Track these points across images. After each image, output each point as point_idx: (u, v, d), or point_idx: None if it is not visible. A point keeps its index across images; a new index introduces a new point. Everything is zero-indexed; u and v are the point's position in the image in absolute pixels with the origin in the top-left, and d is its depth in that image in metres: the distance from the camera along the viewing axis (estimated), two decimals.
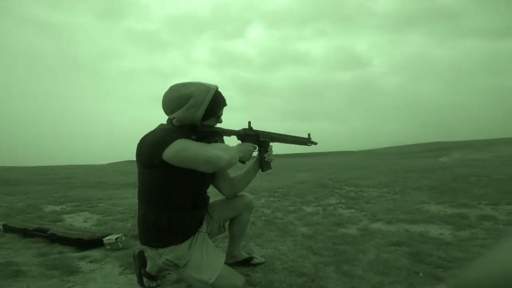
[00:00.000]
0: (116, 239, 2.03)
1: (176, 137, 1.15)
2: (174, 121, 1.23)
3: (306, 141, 1.58)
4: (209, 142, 1.25)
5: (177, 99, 1.21)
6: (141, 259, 1.50)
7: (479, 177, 5.11)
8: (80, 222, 2.93)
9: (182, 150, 1.12)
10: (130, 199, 4.35)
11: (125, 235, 2.17)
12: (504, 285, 0.33)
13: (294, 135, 1.56)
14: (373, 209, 3.11)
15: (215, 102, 1.25)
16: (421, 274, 1.49)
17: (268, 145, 1.45)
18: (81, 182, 6.82)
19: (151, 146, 1.16)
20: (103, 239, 2.05)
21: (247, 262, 1.68)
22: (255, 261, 1.69)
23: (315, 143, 1.64)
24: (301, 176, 7.17)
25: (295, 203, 3.64)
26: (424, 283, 1.41)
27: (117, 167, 11.84)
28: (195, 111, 1.20)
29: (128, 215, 3.10)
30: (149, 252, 1.31)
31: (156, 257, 1.29)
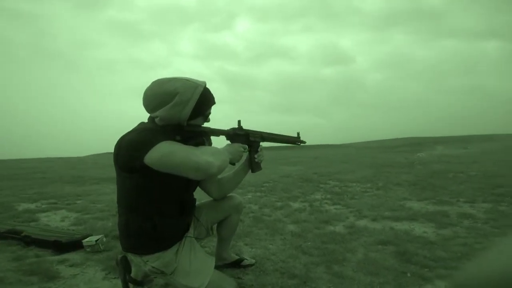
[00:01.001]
0: (97, 241, 1.92)
1: (160, 138, 1.05)
2: (156, 120, 1.13)
3: (296, 140, 1.55)
4: (196, 144, 1.17)
5: (160, 95, 1.11)
6: (124, 265, 1.41)
7: (455, 173, 5.34)
8: (56, 221, 2.77)
9: (167, 154, 1.02)
10: (110, 195, 4.17)
11: (106, 236, 2.07)
12: (503, 285, 0.33)
13: (284, 134, 1.53)
14: (358, 205, 3.17)
15: (203, 100, 1.16)
16: (408, 275, 1.52)
17: (259, 145, 1.39)
18: (58, 176, 6.47)
19: (131, 149, 1.05)
20: (83, 241, 1.93)
21: (237, 264, 1.64)
22: (245, 262, 1.66)
23: (304, 142, 1.62)
24: (286, 169, 7.21)
25: (282, 198, 3.65)
26: (412, 283, 1.44)
27: (96, 160, 11.40)
28: (181, 109, 1.11)
29: (108, 213, 2.97)
30: (133, 259, 1.22)
31: (141, 264, 1.19)
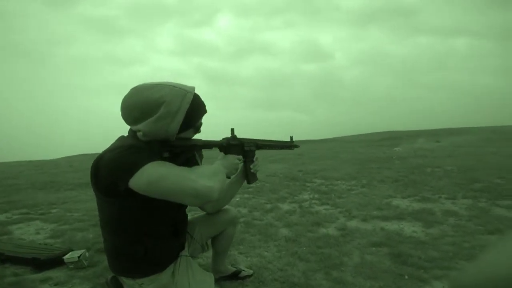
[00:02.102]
0: (79, 256, 1.79)
1: (145, 158, 0.90)
2: (139, 134, 0.97)
3: (290, 145, 1.50)
4: (187, 160, 1.06)
5: (142, 106, 0.94)
6: (115, 285, 1.32)
7: (433, 168, 5.57)
8: (31, 234, 2.56)
9: (157, 180, 0.88)
10: (88, 202, 3.93)
11: (88, 250, 1.95)
12: (503, 286, 0.33)
13: (277, 140, 1.49)
14: (346, 204, 3.22)
15: (194, 110, 1.01)
16: (406, 277, 1.55)
17: (254, 155, 1.30)
18: (29, 182, 5.98)
19: (112, 172, 0.91)
20: (64, 258, 1.80)
21: (235, 276, 1.60)
22: (243, 274, 1.62)
23: (298, 146, 1.59)
24: (271, 168, 7.22)
25: (270, 200, 3.63)
26: (411, 286, 1.47)
27: (71, 162, 10.80)
28: (168, 122, 0.95)
29: (88, 223, 2.80)
30: (126, 281, 1.11)
31: (135, 287, 1.08)
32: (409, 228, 2.37)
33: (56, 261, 1.82)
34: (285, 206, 3.29)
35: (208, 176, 0.97)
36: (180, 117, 0.97)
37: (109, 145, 1.01)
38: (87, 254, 1.87)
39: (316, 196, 3.79)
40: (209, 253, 1.59)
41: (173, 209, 1.06)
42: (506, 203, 2.84)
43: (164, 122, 0.95)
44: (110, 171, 0.91)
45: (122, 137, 1.04)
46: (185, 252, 1.18)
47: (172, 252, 1.11)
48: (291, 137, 1.53)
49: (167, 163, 0.94)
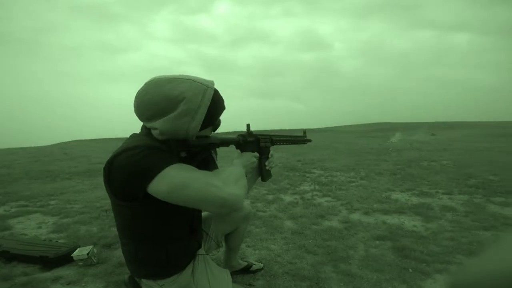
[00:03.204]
0: (88, 253, 1.79)
1: (164, 161, 0.84)
2: (155, 132, 0.91)
3: (304, 139, 1.48)
4: (204, 159, 1.03)
5: (160, 101, 0.87)
6: (134, 285, 1.25)
7: (429, 162, 5.71)
8: (33, 229, 2.54)
9: (179, 187, 0.83)
10: (87, 192, 3.93)
11: (95, 245, 1.96)
12: (503, 284, 0.33)
13: (290, 135, 1.51)
14: (347, 197, 3.31)
15: (215, 107, 0.95)
16: (410, 270, 1.65)
17: (269, 151, 1.27)
18: (24, 172, 5.83)
19: (129, 176, 0.84)
20: (73, 255, 1.80)
21: (246, 270, 1.65)
22: (254, 267, 1.67)
23: (310, 140, 1.58)
24: None
25: (271, 190, 3.71)
26: (415, 278, 1.57)
27: (65, 149, 10.68)
28: (188, 121, 0.89)
29: (89, 215, 2.81)
30: (145, 282, 1.08)
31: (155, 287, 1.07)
32: (409, 222, 2.47)
33: (64, 259, 1.82)
34: (287, 198, 3.37)
35: (233, 182, 0.91)
36: (201, 115, 0.90)
37: (122, 144, 0.94)
38: (95, 250, 1.87)
39: (317, 187, 3.88)
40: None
41: (190, 210, 1.00)
42: (500, 200, 2.97)
43: (184, 120, 0.88)
44: (126, 174, 0.84)
45: (134, 135, 0.98)
46: (201, 250, 1.18)
47: (191, 252, 1.11)
48: (304, 131, 1.55)
49: (189, 167, 0.89)
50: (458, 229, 2.23)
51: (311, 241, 2.10)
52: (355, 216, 2.67)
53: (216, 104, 0.95)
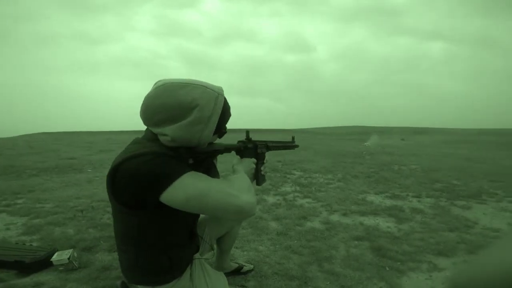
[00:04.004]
0: (69, 257, 1.72)
1: (178, 169, 0.84)
2: (164, 138, 0.89)
3: (292, 145, 1.55)
4: (207, 166, 1.04)
5: (171, 107, 0.86)
6: None
7: (399, 166, 6.10)
8: (1, 230, 2.39)
9: (197, 196, 0.83)
10: (58, 191, 3.77)
11: (73, 248, 1.90)
12: (503, 284, 0.33)
13: (282, 140, 1.58)
14: (327, 198, 3.49)
15: (224, 115, 0.96)
16: (387, 268, 1.81)
17: (264, 157, 1.33)
18: None
19: (141, 184, 0.83)
20: (52, 260, 1.72)
21: (237, 271, 1.71)
22: (245, 269, 1.73)
23: (298, 146, 1.68)
24: None
25: (255, 191, 3.80)
26: (391, 276, 1.73)
27: (30, 141, 10.00)
28: (202, 129, 0.89)
29: (63, 215, 2.72)
30: None
31: None
32: (384, 223, 2.68)
33: (43, 264, 1.73)
34: (270, 199, 3.48)
35: (247, 190, 0.92)
36: (214, 123, 0.91)
37: (125, 150, 0.92)
38: (75, 254, 1.81)
39: (297, 188, 4.03)
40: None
41: (191, 215, 1.01)
42: (462, 203, 3.28)
43: (198, 128, 0.88)
44: (137, 182, 0.83)
45: (138, 141, 0.95)
46: (197, 254, 1.19)
47: (190, 256, 1.11)
48: (293, 137, 1.64)
49: (202, 175, 0.90)
50: (427, 230, 2.46)
51: (296, 242, 2.21)
52: (335, 217, 2.83)
53: (225, 112, 0.96)
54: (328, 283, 1.66)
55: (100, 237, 2.26)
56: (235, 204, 0.86)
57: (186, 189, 0.83)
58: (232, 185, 0.92)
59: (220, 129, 0.99)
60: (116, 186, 0.87)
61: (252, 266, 1.79)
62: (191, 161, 0.94)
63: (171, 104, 0.86)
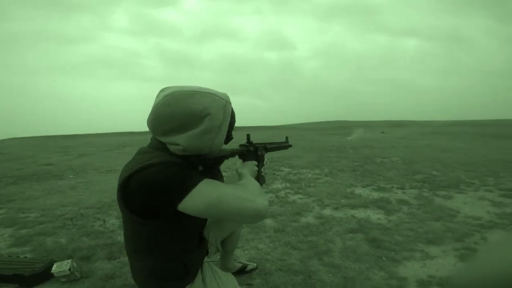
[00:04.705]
0: (70, 268, 1.70)
1: (194, 178, 0.86)
2: (175, 148, 0.90)
3: (287, 145, 1.59)
4: (214, 172, 1.06)
5: (182, 116, 0.87)
6: None
7: (381, 159, 6.35)
8: None
9: (216, 203, 0.85)
10: (40, 199, 3.63)
11: (71, 258, 1.87)
12: (502, 284, 0.33)
13: (277, 141, 1.62)
14: (317, 193, 3.59)
15: (232, 122, 0.98)
16: (384, 258, 1.92)
17: (263, 159, 1.35)
18: None
19: (157, 194, 0.84)
20: (53, 271, 1.69)
21: (242, 271, 1.75)
22: (249, 267, 1.77)
23: (291, 145, 1.74)
24: None
25: None
26: (389, 265, 1.83)
27: (1, 147, 9.43)
28: (213, 138, 0.90)
29: (51, 225, 2.64)
30: None
31: None
32: (374, 215, 2.80)
33: (43, 276, 1.70)
34: None
35: (259, 193, 0.95)
36: (224, 131, 0.93)
37: (133, 160, 0.92)
38: (74, 264, 1.78)
39: (288, 185, 4.11)
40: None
41: (201, 219, 1.04)
42: (443, 193, 3.49)
43: (209, 137, 0.89)
44: (154, 192, 0.83)
45: (146, 150, 0.95)
46: (206, 257, 1.21)
47: (201, 260, 1.14)
48: (287, 137, 1.70)
49: (216, 182, 0.92)
50: (414, 221, 2.60)
51: (293, 237, 2.28)
52: (327, 212, 2.93)
53: (232, 119, 0.98)
54: (331, 275, 1.73)
55: (96, 245, 2.21)
56: (252, 208, 0.88)
57: (205, 197, 0.85)
58: (246, 190, 0.94)
59: (228, 136, 1.01)
60: (130, 196, 0.87)
61: (255, 264, 1.83)
62: (200, 168, 0.96)
63: (182, 113, 0.86)
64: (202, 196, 0.84)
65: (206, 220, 1.17)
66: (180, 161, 0.89)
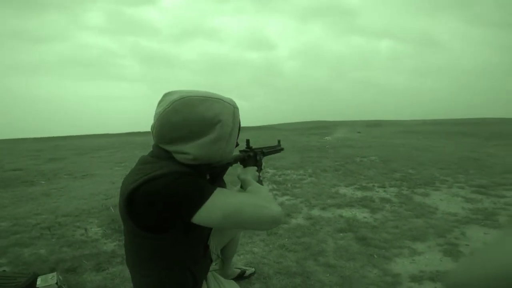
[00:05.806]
0: (57, 282, 1.60)
1: (207, 189, 0.83)
2: (184, 157, 0.86)
3: (280, 148, 1.59)
4: (219, 179, 1.05)
5: (194, 123, 0.82)
6: None
7: (361, 158, 6.58)
8: None
9: (233, 213, 0.82)
10: (10, 207, 3.43)
11: (56, 271, 1.77)
12: (499, 284, 0.33)
13: (271, 145, 1.64)
14: (303, 194, 3.65)
15: (239, 128, 0.96)
16: (375, 256, 1.99)
17: (261, 163, 1.35)
18: None
19: (170, 205, 0.80)
20: (38, 286, 1.57)
21: (241, 276, 1.74)
22: (247, 272, 1.77)
23: (283, 149, 1.78)
24: None
25: None
26: (381, 263, 1.91)
27: None
28: (224, 145, 0.87)
29: (27, 235, 2.49)
30: None
31: None
32: (360, 214, 2.90)
33: None
34: None
35: (271, 199, 0.93)
36: (234, 138, 0.90)
37: (135, 171, 0.87)
38: (60, 277, 1.68)
39: (274, 186, 4.14)
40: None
41: (207, 229, 1.01)
42: (421, 191, 3.68)
43: (220, 145, 0.86)
44: (165, 205, 0.80)
45: (150, 160, 0.90)
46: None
47: (206, 269, 1.12)
48: (279, 141, 1.72)
49: (228, 191, 0.90)
50: (398, 218, 2.73)
51: (287, 240, 2.30)
52: (316, 212, 2.99)
53: (239, 125, 0.96)
54: (328, 275, 1.77)
55: (81, 256, 2.10)
56: (269, 215, 0.86)
57: (220, 207, 0.82)
58: (259, 197, 0.92)
59: (236, 142, 0.98)
60: (137, 210, 0.82)
61: (253, 269, 1.84)
62: (208, 176, 0.94)
63: (193, 120, 0.82)
64: (218, 207, 0.81)
65: (211, 228, 1.14)
66: (190, 171, 0.85)
